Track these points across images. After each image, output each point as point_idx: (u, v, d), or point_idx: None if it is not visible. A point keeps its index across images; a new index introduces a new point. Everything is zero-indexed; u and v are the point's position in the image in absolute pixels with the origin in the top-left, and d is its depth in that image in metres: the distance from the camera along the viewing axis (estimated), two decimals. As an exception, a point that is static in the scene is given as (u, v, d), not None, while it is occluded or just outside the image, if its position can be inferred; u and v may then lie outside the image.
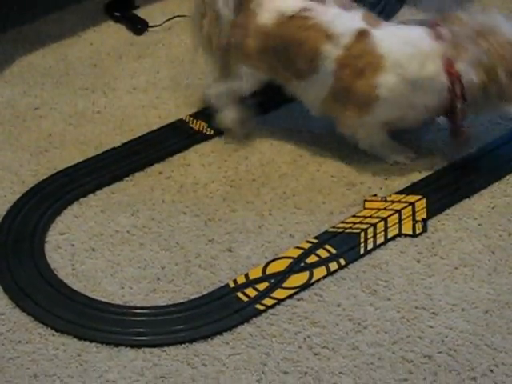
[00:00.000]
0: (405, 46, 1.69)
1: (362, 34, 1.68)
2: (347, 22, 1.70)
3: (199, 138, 1.90)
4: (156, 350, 1.45)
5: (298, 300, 1.53)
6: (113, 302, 1.54)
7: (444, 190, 1.75)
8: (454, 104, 1.70)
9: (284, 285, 1.55)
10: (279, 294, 1.54)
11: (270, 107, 1.96)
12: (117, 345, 1.46)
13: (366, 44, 1.68)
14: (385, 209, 1.70)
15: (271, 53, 1.74)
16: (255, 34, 1.73)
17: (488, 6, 2.19)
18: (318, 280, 1.57)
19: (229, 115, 1.83)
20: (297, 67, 1.73)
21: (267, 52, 1.74)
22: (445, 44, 1.67)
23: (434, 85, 1.68)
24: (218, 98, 1.84)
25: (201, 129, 1.92)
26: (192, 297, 1.54)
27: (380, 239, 1.64)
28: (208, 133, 1.91)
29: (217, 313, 1.52)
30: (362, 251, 1.62)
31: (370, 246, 1.63)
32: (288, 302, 1.53)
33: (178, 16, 2.24)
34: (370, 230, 1.66)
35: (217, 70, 1.85)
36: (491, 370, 1.43)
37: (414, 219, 1.68)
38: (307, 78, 1.73)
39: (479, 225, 1.68)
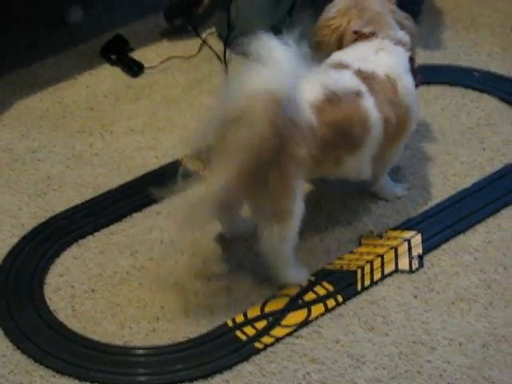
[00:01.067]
0: None
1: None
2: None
3: (195, 178, 1.90)
4: None
5: (297, 337, 1.54)
6: (112, 343, 1.54)
7: (439, 226, 1.76)
8: None
9: (282, 323, 1.56)
10: (278, 332, 1.54)
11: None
12: None
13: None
14: (381, 245, 1.71)
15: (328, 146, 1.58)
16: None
17: (480, 41, 2.24)
18: (316, 317, 1.58)
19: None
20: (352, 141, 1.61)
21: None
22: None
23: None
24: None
25: (197, 169, 1.89)
26: (191, 336, 1.55)
27: (377, 275, 1.65)
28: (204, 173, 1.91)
29: (216, 352, 1.52)
30: (359, 288, 1.63)
31: (367, 283, 1.63)
32: (287, 339, 1.54)
33: (173, 57, 2.26)
34: (367, 267, 1.66)
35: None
36: None
37: (410, 255, 1.69)
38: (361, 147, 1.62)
39: (475, 259, 1.69)
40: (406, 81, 1.66)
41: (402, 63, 1.67)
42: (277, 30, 2.13)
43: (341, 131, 1.54)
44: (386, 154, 1.69)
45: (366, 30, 1.68)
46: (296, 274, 1.63)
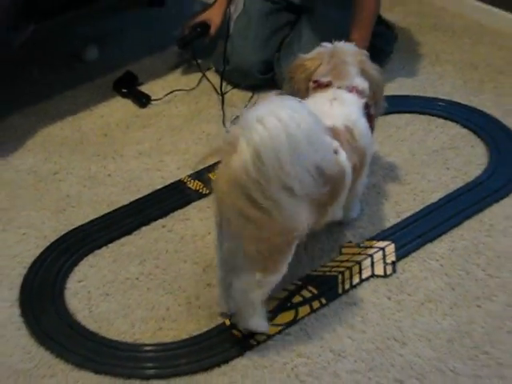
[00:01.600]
0: None
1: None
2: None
3: (197, 196, 1.90)
4: (162, 382, 1.47)
5: (286, 335, 1.56)
6: (124, 341, 1.56)
7: (410, 236, 1.77)
8: None
9: (273, 322, 1.57)
10: (269, 330, 1.55)
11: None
12: (128, 377, 1.49)
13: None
14: (359, 254, 1.73)
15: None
16: None
17: (444, 75, 2.26)
18: (303, 317, 1.59)
19: None
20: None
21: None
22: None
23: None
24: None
25: (198, 188, 1.92)
26: (193, 334, 1.56)
27: (355, 280, 1.67)
28: (204, 191, 1.91)
29: (215, 348, 1.53)
30: (340, 291, 1.64)
31: (347, 286, 1.65)
32: (277, 336, 1.55)
33: (177, 90, 2.27)
34: (347, 273, 1.68)
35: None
36: None
37: (384, 262, 1.70)
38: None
39: (441, 265, 1.71)
40: (361, 126, 1.62)
41: (355, 111, 1.63)
42: (267, 64, 2.20)
43: (331, 189, 1.43)
44: (353, 192, 1.66)
45: (324, 79, 1.65)
46: (260, 325, 1.54)
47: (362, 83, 1.67)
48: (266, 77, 2.19)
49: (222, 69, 2.23)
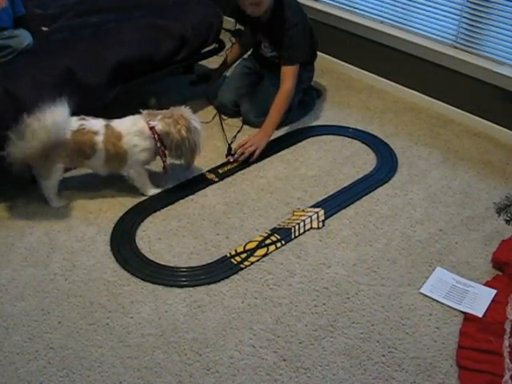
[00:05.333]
0: (129, 123, 1.63)
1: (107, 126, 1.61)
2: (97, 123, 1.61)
3: (211, 182, 1.82)
4: (191, 289, 1.45)
5: (261, 262, 1.54)
6: (169, 265, 1.52)
7: (333, 205, 1.72)
8: (157, 148, 1.63)
9: (254, 254, 1.55)
10: (252, 259, 1.53)
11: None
12: (171, 286, 1.46)
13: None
14: (303, 215, 1.69)
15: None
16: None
17: (352, 113, 2.19)
18: (271, 252, 1.56)
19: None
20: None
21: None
22: (146, 116, 1.63)
23: (145, 135, 1.62)
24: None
25: (212, 178, 1.84)
26: (209, 261, 1.53)
27: (301, 230, 1.64)
28: (215, 180, 1.83)
29: (221, 269, 1.51)
30: (293, 237, 1.62)
31: (296, 234, 1.62)
32: (256, 263, 1.53)
33: (202, 122, 2.12)
34: (297, 226, 1.65)
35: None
36: (357, 293, 1.45)
37: (318, 220, 1.67)
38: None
39: (349, 222, 1.68)
40: (129, 134, 1.63)
41: (133, 128, 1.63)
42: (237, 102, 2.10)
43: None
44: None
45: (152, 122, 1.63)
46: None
47: (161, 127, 1.63)
48: (236, 109, 2.13)
49: (213, 103, 2.17)
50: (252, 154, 1.87)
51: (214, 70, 2.27)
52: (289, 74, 1.91)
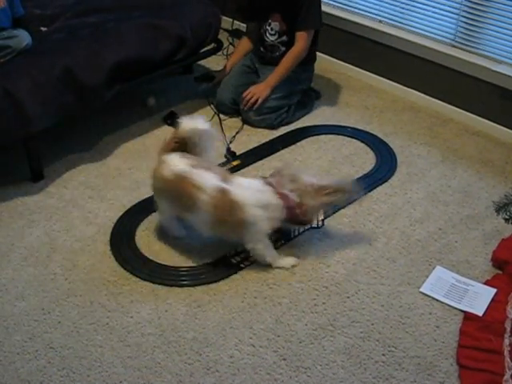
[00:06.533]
0: (253, 192, 1.40)
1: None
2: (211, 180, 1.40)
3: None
4: (191, 289, 1.44)
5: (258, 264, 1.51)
6: (168, 265, 1.51)
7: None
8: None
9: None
10: (252, 258, 1.51)
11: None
12: (171, 286, 1.45)
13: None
14: None
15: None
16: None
17: (351, 113, 2.17)
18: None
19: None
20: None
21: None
22: (273, 186, 1.42)
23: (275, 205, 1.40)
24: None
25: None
26: (208, 261, 1.52)
27: (301, 230, 1.59)
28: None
29: (221, 269, 1.50)
30: (292, 236, 1.59)
31: (296, 233, 1.58)
32: (256, 263, 1.50)
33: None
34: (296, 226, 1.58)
35: None
36: (356, 293, 1.43)
37: (317, 220, 1.58)
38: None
39: (349, 221, 1.64)
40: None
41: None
42: (235, 100, 2.08)
43: None
44: None
45: None
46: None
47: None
48: (235, 107, 2.13)
49: (212, 102, 2.17)
50: (254, 103, 1.97)
51: (219, 71, 2.26)
52: (302, 38, 2.00)
